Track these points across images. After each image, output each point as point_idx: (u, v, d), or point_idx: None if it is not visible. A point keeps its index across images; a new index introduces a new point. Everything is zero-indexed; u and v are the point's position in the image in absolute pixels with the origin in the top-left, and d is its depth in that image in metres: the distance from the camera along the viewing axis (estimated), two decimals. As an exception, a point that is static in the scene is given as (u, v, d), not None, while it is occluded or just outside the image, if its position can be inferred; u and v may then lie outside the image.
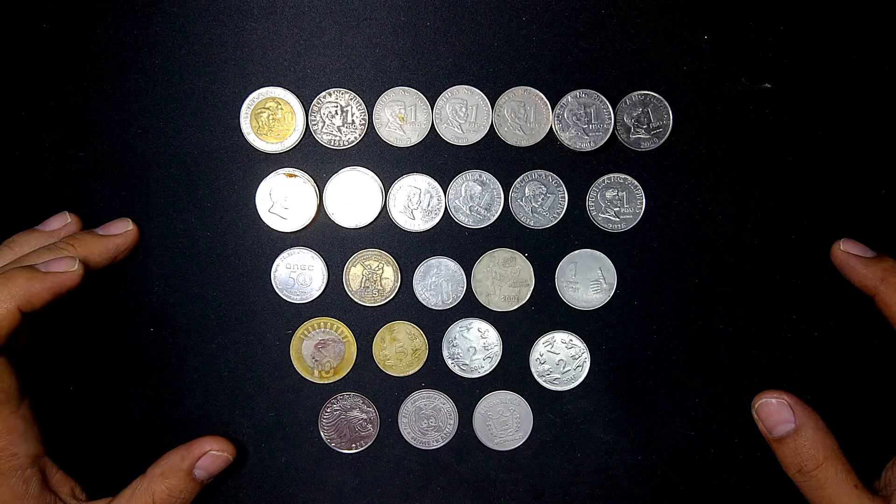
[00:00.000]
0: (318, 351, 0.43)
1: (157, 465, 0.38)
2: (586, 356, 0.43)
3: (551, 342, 0.43)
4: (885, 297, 0.38)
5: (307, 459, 0.43)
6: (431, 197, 0.42)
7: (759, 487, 0.43)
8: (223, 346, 0.43)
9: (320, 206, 0.42)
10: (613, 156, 0.42)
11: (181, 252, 0.42)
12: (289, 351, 0.43)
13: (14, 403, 0.35)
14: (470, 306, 0.43)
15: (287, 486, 0.43)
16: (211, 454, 0.39)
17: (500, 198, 0.42)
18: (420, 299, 0.42)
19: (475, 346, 0.43)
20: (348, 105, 0.41)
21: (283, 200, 0.42)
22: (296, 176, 0.42)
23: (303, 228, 0.42)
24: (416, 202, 0.42)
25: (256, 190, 0.42)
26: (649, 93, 0.41)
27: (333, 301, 0.43)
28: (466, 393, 0.43)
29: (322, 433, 0.43)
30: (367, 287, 0.42)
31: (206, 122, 0.41)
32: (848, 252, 0.40)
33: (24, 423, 0.36)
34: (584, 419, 0.43)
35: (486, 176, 0.42)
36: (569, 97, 0.41)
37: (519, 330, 0.43)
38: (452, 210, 0.42)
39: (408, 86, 0.41)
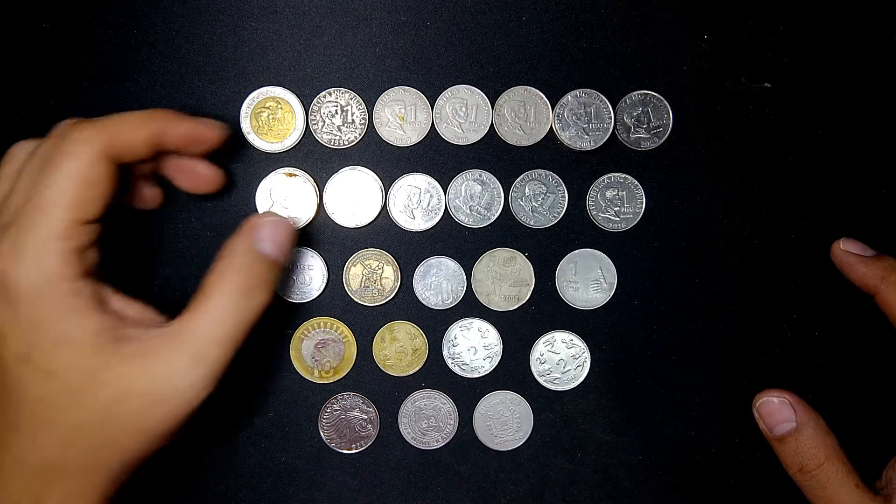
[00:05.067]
0: (318, 351, 0.43)
1: (224, 255, 0.34)
2: (586, 356, 0.43)
3: (551, 342, 0.43)
4: (886, 296, 0.38)
5: (307, 459, 0.43)
6: (431, 196, 0.42)
7: (759, 487, 0.43)
8: (223, 345, 0.42)
9: (320, 205, 0.42)
10: (613, 155, 0.42)
11: (181, 252, 0.42)
12: (289, 351, 0.42)
13: None
14: (470, 306, 0.43)
15: (287, 486, 0.43)
16: (268, 222, 0.35)
17: (500, 197, 0.42)
18: (420, 299, 0.42)
19: (475, 346, 0.43)
20: (348, 104, 0.41)
21: (283, 200, 0.42)
22: (296, 175, 0.41)
23: (302, 228, 0.42)
24: (416, 202, 0.42)
25: (256, 189, 0.42)
26: (649, 92, 0.41)
27: (333, 301, 0.43)
28: (466, 393, 0.43)
29: (322, 433, 0.43)
30: (367, 287, 0.42)
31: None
32: (848, 251, 0.40)
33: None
34: (585, 419, 0.43)
35: (486, 175, 0.42)
36: (569, 97, 0.41)
37: (519, 330, 0.43)
38: (452, 210, 0.42)
39: (408, 85, 0.41)
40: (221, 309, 0.33)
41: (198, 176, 0.38)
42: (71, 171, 0.31)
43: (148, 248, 0.42)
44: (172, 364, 0.32)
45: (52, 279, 0.31)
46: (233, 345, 0.33)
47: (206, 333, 0.32)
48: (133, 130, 0.33)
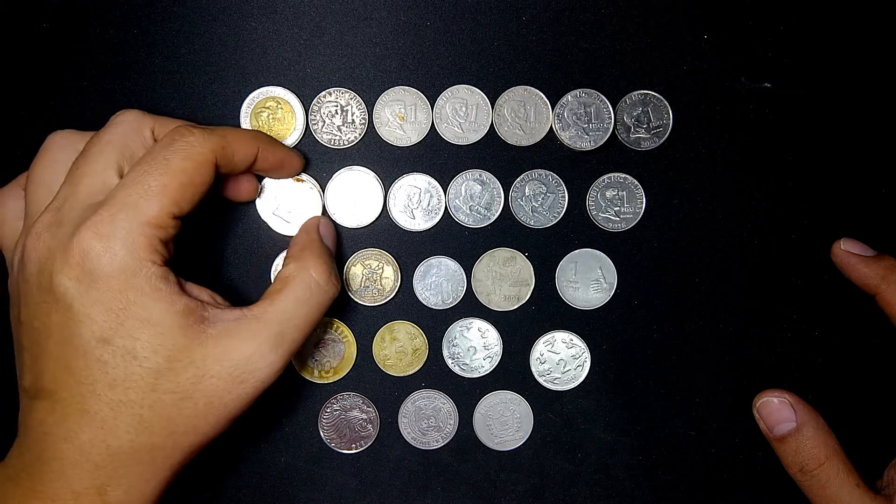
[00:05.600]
0: (318, 351, 0.43)
1: (298, 250, 0.37)
2: (586, 356, 0.43)
3: (551, 342, 0.43)
4: (887, 296, 0.38)
5: (307, 459, 0.43)
6: (431, 196, 0.42)
7: (759, 487, 0.43)
8: (223, 345, 0.42)
9: (324, 210, 0.42)
10: (613, 155, 0.42)
11: (181, 252, 0.42)
12: (289, 351, 0.42)
13: None
14: (470, 306, 0.43)
15: (287, 486, 0.43)
16: (322, 222, 0.40)
17: (501, 197, 0.42)
18: (420, 299, 0.42)
19: (475, 346, 0.43)
20: (348, 104, 0.41)
21: (286, 204, 0.42)
22: (303, 181, 0.41)
23: None
24: (417, 202, 0.42)
25: (261, 192, 0.41)
26: (649, 92, 0.41)
27: (333, 301, 0.42)
28: (466, 393, 0.43)
29: (322, 433, 0.43)
30: (367, 286, 0.42)
31: (206, 122, 0.41)
32: (849, 251, 0.40)
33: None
34: (585, 419, 0.43)
35: (487, 175, 0.42)
36: (569, 97, 0.41)
37: (519, 329, 0.43)
38: (452, 210, 0.42)
39: (408, 85, 0.41)
40: (303, 294, 0.35)
41: (240, 187, 0.40)
42: (182, 168, 0.33)
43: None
44: (255, 345, 0.33)
45: (142, 261, 0.32)
46: (309, 329, 0.36)
47: (289, 317, 0.34)
48: (243, 146, 0.36)
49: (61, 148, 0.36)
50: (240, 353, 0.33)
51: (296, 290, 0.35)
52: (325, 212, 0.42)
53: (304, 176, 0.42)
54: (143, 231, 0.32)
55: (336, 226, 0.42)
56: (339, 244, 0.42)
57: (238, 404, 0.33)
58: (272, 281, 0.42)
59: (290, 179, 0.41)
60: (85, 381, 0.31)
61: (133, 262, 0.32)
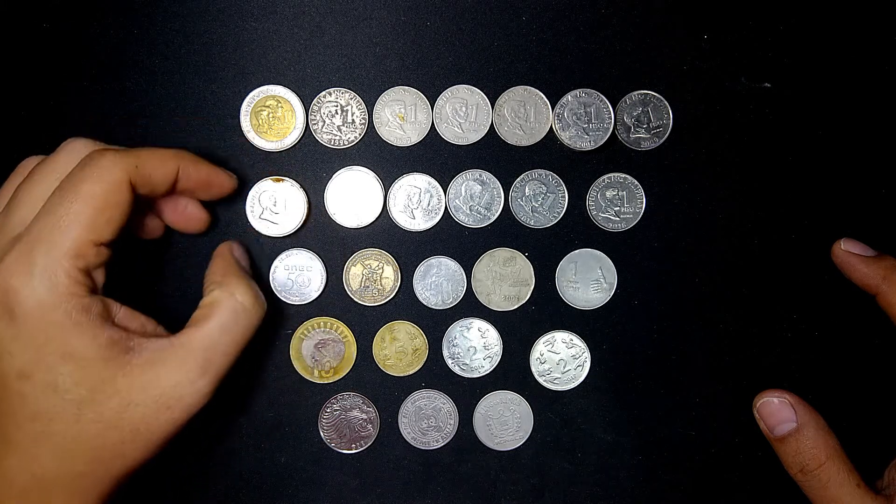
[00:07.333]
0: (318, 351, 0.43)
1: (219, 275, 0.37)
2: (587, 356, 0.43)
3: (551, 342, 0.43)
4: (888, 296, 0.38)
5: (307, 459, 0.43)
6: (431, 196, 0.42)
7: (759, 487, 0.43)
8: (223, 345, 0.42)
9: (310, 207, 0.42)
10: (613, 155, 0.42)
11: (181, 253, 0.42)
12: (289, 351, 0.42)
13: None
14: (470, 306, 0.43)
15: (287, 486, 0.43)
16: (235, 246, 0.40)
17: (501, 197, 0.42)
18: (420, 299, 0.42)
19: (475, 346, 0.43)
20: (348, 104, 0.41)
21: (272, 206, 0.41)
22: (283, 181, 0.41)
23: (294, 232, 0.42)
24: (417, 202, 0.42)
25: (246, 197, 0.41)
26: (649, 92, 0.41)
27: (333, 301, 0.43)
28: (466, 393, 0.43)
29: (322, 433, 0.43)
30: (367, 287, 0.42)
31: (206, 121, 0.41)
32: (849, 251, 0.40)
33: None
34: (585, 419, 0.43)
35: (487, 175, 0.42)
36: (569, 97, 0.41)
37: (519, 330, 0.43)
38: (452, 210, 0.42)
39: (408, 85, 0.41)
40: (229, 318, 0.35)
41: (188, 216, 0.40)
42: (93, 192, 0.32)
43: (146, 249, 0.42)
44: (182, 373, 0.33)
45: (62, 295, 0.31)
46: (237, 353, 0.35)
47: (215, 343, 0.34)
48: (158, 165, 0.35)
49: (26, 173, 0.36)
50: (166, 381, 0.33)
51: (221, 316, 0.35)
52: (311, 209, 0.42)
53: (283, 177, 0.41)
54: (61, 264, 0.31)
55: (335, 232, 0.42)
56: (334, 245, 0.42)
57: (167, 429, 0.33)
58: (271, 282, 0.42)
59: (269, 180, 0.41)
60: (6, 413, 0.32)
61: (53, 298, 0.31)
